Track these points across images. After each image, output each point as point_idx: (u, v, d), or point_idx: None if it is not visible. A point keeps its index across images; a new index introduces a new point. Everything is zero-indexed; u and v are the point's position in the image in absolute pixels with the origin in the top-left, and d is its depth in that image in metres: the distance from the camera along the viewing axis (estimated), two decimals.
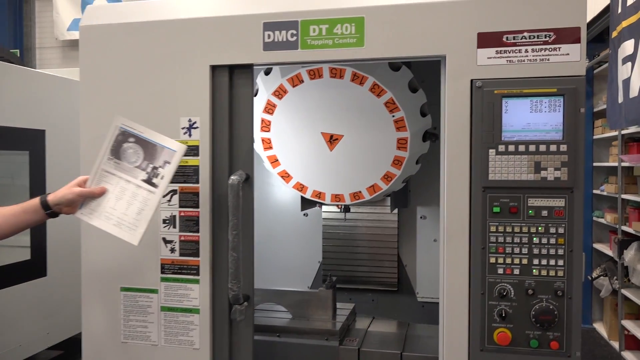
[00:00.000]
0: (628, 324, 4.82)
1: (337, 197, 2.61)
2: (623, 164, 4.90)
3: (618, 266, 4.88)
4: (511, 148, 1.80)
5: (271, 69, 2.46)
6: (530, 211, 1.80)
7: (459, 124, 1.85)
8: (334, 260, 3.28)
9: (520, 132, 1.81)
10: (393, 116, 2.35)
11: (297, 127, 2.48)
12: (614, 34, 4.18)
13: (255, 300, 2.31)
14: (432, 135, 2.53)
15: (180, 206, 2.08)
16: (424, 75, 2.61)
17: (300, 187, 2.63)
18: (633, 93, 3.74)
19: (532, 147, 1.79)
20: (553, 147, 1.78)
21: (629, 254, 4.51)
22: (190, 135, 2.06)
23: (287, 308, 2.60)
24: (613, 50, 4.20)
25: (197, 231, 2.07)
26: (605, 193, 5.22)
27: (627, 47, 3.83)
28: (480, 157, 1.83)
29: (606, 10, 4.33)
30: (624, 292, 4.83)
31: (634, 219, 4.60)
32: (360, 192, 2.57)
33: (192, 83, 2.05)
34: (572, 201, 1.78)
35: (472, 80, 1.83)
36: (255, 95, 2.52)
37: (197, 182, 2.06)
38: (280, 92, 2.42)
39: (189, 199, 2.07)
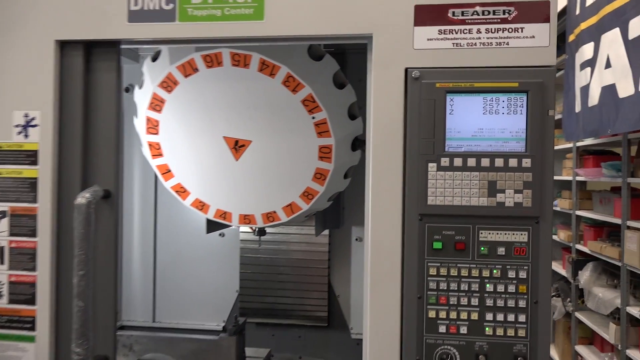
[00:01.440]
0: (582, 349, 4.49)
1: (246, 218, 2.08)
2: (578, 178, 4.59)
3: (572, 287, 4.55)
4: (458, 162, 1.33)
5: (159, 53, 1.91)
6: (482, 248, 1.32)
7: (388, 129, 1.36)
8: (253, 290, 2.75)
9: (470, 141, 1.33)
10: (313, 118, 1.84)
11: (193, 130, 1.94)
12: (571, 37, 3.85)
13: (137, 351, 1.74)
14: (363, 143, 2.03)
15: (11, 234, 1.50)
16: (357, 67, 2.12)
17: (201, 206, 2.09)
18: (592, 101, 3.39)
19: (485, 162, 1.32)
20: (513, 162, 1.31)
21: (584, 275, 4.17)
22: (26, 136, 1.49)
23: None
24: (570, 55, 3.87)
25: (34, 269, 1.49)
26: (558, 208, 4.91)
27: (586, 51, 3.49)
28: (417, 173, 1.34)
29: (562, 13, 4.00)
30: (578, 315, 4.50)
31: (589, 238, 4.29)
32: (274, 212, 2.04)
33: (30, 65, 1.48)
34: (537, 235, 1.32)
35: (406, 70, 1.35)
36: (141, 87, 1.96)
37: (35, 200, 1.49)
38: (169, 84, 1.87)
39: (23, 224, 1.49)
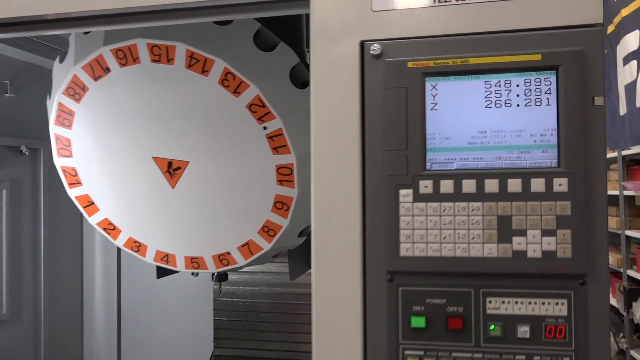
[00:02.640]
0: None
1: (194, 262, 1.61)
2: (625, 193, 3.96)
3: (625, 321, 3.89)
4: (447, 187, 0.82)
5: (66, 54, 1.47)
6: (492, 326, 0.80)
7: (336, 138, 0.87)
8: (231, 336, 2.29)
9: (466, 152, 0.83)
10: (265, 128, 1.36)
11: (114, 149, 1.48)
12: (610, 28, 3.27)
13: None
14: None
15: None
16: None
17: (136, 247, 1.62)
18: None
19: (492, 185, 0.81)
20: (538, 184, 0.80)
21: None
22: None
23: None
24: (610, 49, 3.30)
25: None
26: None
27: (630, 41, 2.89)
28: (383, 207, 0.84)
29: None
30: (634, 353, 3.83)
31: None
32: (228, 254, 1.56)
33: None
34: (584, 304, 0.79)
35: (362, 44, 0.86)
36: (50, 97, 1.53)
37: None
38: (76, 90, 1.43)
39: None
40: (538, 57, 0.80)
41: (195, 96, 1.35)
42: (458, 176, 0.82)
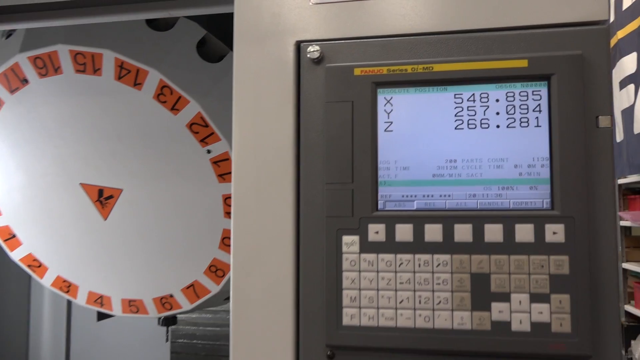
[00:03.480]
0: None
1: (132, 305, 1.38)
2: (622, 223, 3.76)
3: None
4: (404, 233, 0.61)
5: None
6: None
7: (262, 166, 0.67)
8: None
9: (430, 187, 0.62)
10: (208, 151, 1.16)
11: (36, 174, 1.27)
12: None
13: None
14: None
15: None
16: None
17: (66, 287, 1.40)
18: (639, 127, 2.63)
19: (463, 232, 0.61)
20: (525, 232, 0.60)
21: (639, 348, 3.29)
22: None
23: None
24: None
25: None
26: None
27: (627, 64, 2.75)
28: (321, 258, 0.63)
29: None
30: None
31: None
32: (171, 296, 1.34)
33: None
34: None
35: (298, 45, 0.66)
36: None
37: None
38: None
39: None
40: (524, 63, 0.60)
41: (127, 113, 1.15)
42: (419, 219, 0.61)
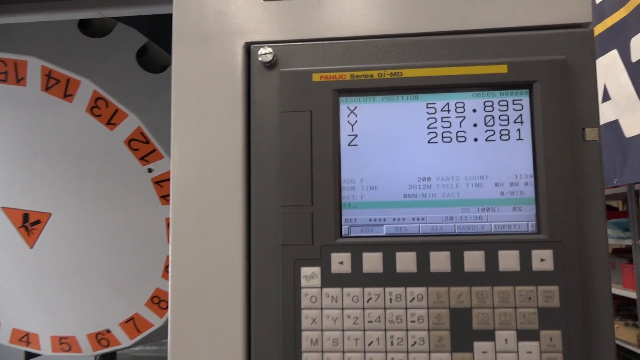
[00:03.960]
0: None
1: (64, 343, 1.24)
2: None
3: None
4: (372, 262, 0.53)
5: None
6: None
7: (206, 186, 0.57)
8: None
9: (400, 210, 0.54)
10: (150, 170, 1.04)
11: None
12: None
13: None
14: None
15: None
16: None
17: None
18: None
19: (440, 260, 0.53)
20: (508, 260, 0.52)
21: None
22: None
23: None
24: None
25: None
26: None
27: None
28: (276, 293, 0.54)
29: None
30: None
31: None
32: (108, 332, 1.20)
33: None
34: None
35: (248, 47, 0.57)
36: None
37: None
38: None
39: None
40: (503, 68, 0.53)
41: (56, 128, 1.03)
42: (390, 246, 0.53)
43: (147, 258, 1.10)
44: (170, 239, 0.57)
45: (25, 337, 1.24)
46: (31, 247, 1.12)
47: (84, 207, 1.08)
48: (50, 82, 0.99)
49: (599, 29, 2.54)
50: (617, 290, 3.19)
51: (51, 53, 0.98)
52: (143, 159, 1.02)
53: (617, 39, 2.37)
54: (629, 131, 2.34)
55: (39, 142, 1.04)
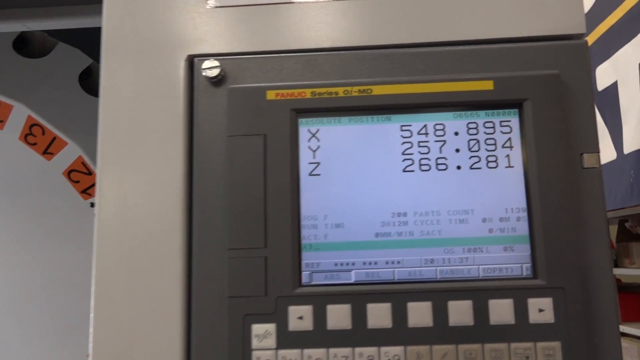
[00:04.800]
0: None
1: None
2: None
3: None
4: (339, 316, 0.44)
5: None
6: None
7: (137, 227, 0.47)
8: None
9: (371, 252, 0.45)
10: (92, 204, 0.93)
11: None
12: None
13: None
14: None
15: None
16: None
17: None
18: None
19: (418, 312, 0.44)
20: (501, 310, 0.43)
21: None
22: None
23: None
24: None
25: None
26: None
27: None
28: (222, 356, 0.43)
29: None
30: None
31: None
32: None
33: None
34: None
35: (191, 60, 0.48)
36: None
37: None
38: None
39: None
40: (488, 85, 0.46)
41: None
42: (360, 296, 0.44)
43: (87, 306, 0.98)
44: (92, 292, 0.47)
45: None
46: None
47: (19, 245, 0.96)
48: None
49: None
50: None
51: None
52: (85, 192, 0.91)
53: None
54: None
55: None
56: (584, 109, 0.47)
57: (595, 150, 0.46)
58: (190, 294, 0.46)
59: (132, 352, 0.45)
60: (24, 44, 0.96)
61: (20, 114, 0.88)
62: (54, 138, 0.90)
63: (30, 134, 0.89)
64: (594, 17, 2.16)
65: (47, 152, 0.90)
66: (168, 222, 0.47)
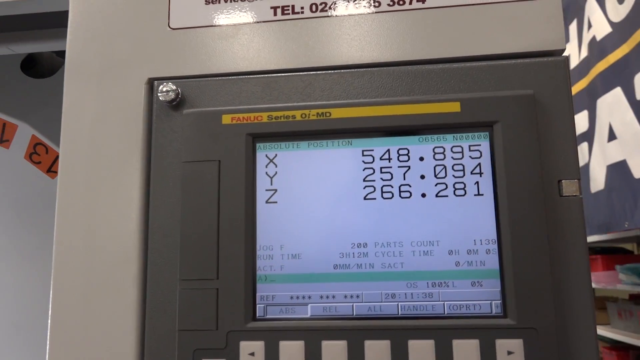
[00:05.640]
0: None
1: None
2: None
3: None
4: (292, 353, 0.41)
5: None
6: None
7: (94, 258, 0.46)
8: None
9: (329, 284, 0.42)
10: None
11: None
12: None
13: None
14: None
15: None
16: None
17: None
18: (596, 186, 2.56)
19: (377, 351, 0.41)
20: (467, 351, 0.40)
21: None
22: None
23: None
24: None
25: None
26: None
27: (579, 122, 2.72)
28: None
29: None
30: None
31: None
32: None
33: None
34: None
35: (151, 83, 0.47)
36: None
37: None
38: None
39: None
40: (455, 107, 0.43)
41: None
42: (315, 332, 0.41)
43: None
44: (49, 324, 0.46)
45: None
46: None
47: (28, 265, 0.97)
48: None
49: (601, 67, 2.46)
50: (635, 341, 2.99)
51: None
52: None
53: (620, 76, 2.28)
54: (638, 171, 2.21)
55: None
56: (563, 131, 0.43)
57: (575, 176, 0.42)
58: (143, 330, 0.44)
59: None
60: (32, 64, 0.98)
61: (24, 133, 0.90)
62: (57, 157, 0.91)
63: (35, 153, 0.91)
64: (631, 24, 2.06)
65: (50, 171, 0.92)
66: (124, 251, 0.45)
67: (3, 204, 0.94)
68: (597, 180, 2.54)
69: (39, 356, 1.04)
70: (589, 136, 2.63)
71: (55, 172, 0.90)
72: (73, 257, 0.46)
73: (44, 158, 0.91)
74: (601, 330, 3.41)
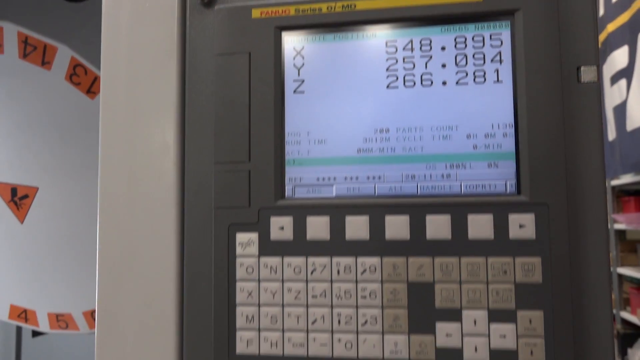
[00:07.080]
0: None
1: (61, 320, 1.21)
2: (616, 226, 3.62)
3: None
4: (318, 227, 0.45)
5: None
6: None
7: (136, 142, 0.50)
8: None
9: (353, 166, 0.46)
10: None
11: None
12: None
13: None
14: None
15: None
16: None
17: None
18: (633, 124, 2.49)
19: (397, 225, 0.44)
20: (481, 224, 0.43)
21: (637, 356, 3.14)
22: None
23: None
24: None
25: None
26: None
27: (618, 58, 2.62)
28: (209, 262, 0.46)
29: None
30: None
31: (639, 304, 3.27)
32: None
33: None
34: None
35: None
36: None
37: None
38: None
39: None
40: None
41: (37, 98, 0.99)
42: (339, 209, 0.45)
43: None
44: (98, 206, 0.51)
45: (23, 314, 1.22)
46: (22, 223, 1.10)
47: (71, 179, 1.04)
48: (27, 48, 0.95)
49: (616, 24, 2.35)
50: None
51: (27, 18, 0.94)
52: None
53: None
54: None
55: (22, 112, 1.00)
56: (584, 18, 0.44)
57: (594, 62, 0.43)
58: (183, 205, 0.49)
59: (132, 261, 0.49)
60: None
61: (63, 55, 0.94)
62: (96, 78, 0.95)
63: (74, 74, 0.96)
64: None
65: (90, 92, 0.96)
66: (163, 138, 0.49)
67: (47, 124, 1.00)
68: (635, 118, 2.48)
69: (89, 266, 1.12)
70: (628, 72, 2.55)
71: (95, 92, 0.95)
72: (117, 142, 0.50)
73: (83, 79, 0.95)
74: (631, 271, 3.41)
